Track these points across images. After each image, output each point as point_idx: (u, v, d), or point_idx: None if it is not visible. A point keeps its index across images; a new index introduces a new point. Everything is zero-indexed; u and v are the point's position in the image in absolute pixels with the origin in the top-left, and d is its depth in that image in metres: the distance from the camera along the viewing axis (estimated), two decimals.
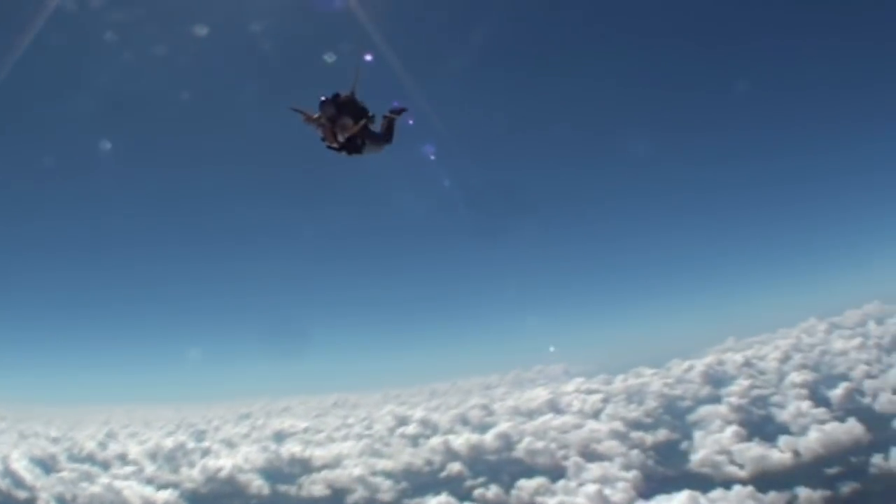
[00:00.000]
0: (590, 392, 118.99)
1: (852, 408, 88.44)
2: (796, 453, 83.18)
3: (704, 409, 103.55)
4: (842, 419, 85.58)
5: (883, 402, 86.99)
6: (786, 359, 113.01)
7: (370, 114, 13.28)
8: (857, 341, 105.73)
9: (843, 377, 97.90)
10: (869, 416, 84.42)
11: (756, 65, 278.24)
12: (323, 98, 12.97)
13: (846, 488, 71.84)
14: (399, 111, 13.98)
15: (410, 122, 14.10)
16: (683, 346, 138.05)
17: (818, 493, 72.13)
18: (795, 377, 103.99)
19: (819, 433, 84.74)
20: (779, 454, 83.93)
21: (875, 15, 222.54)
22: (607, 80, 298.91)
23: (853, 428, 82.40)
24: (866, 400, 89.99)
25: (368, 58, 13.07)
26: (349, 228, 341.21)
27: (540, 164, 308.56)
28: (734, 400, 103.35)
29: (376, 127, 13.59)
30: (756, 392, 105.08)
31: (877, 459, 74.15)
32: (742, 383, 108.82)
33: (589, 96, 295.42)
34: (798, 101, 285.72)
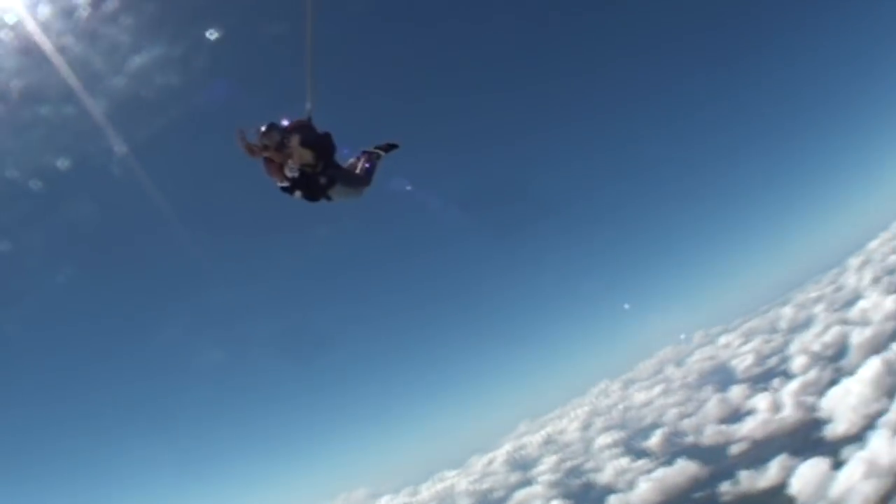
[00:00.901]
0: None
1: (676, 450, 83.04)
2: None
3: (519, 494, 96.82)
4: (669, 463, 79.12)
5: (710, 435, 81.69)
6: (587, 426, 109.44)
7: (334, 145, 9.89)
8: (658, 388, 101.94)
9: (655, 426, 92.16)
10: (699, 452, 79.12)
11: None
12: (264, 127, 9.50)
13: None
14: (388, 147, 11.08)
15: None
16: (478, 443, 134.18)
17: None
18: (604, 440, 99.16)
19: (649, 483, 77.99)
20: None
21: None
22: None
23: (685, 467, 76.65)
24: (689, 439, 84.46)
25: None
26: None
27: None
28: (547, 477, 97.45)
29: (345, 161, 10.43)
30: (567, 464, 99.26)
31: (725, 487, 66.76)
32: (549, 460, 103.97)
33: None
34: None
